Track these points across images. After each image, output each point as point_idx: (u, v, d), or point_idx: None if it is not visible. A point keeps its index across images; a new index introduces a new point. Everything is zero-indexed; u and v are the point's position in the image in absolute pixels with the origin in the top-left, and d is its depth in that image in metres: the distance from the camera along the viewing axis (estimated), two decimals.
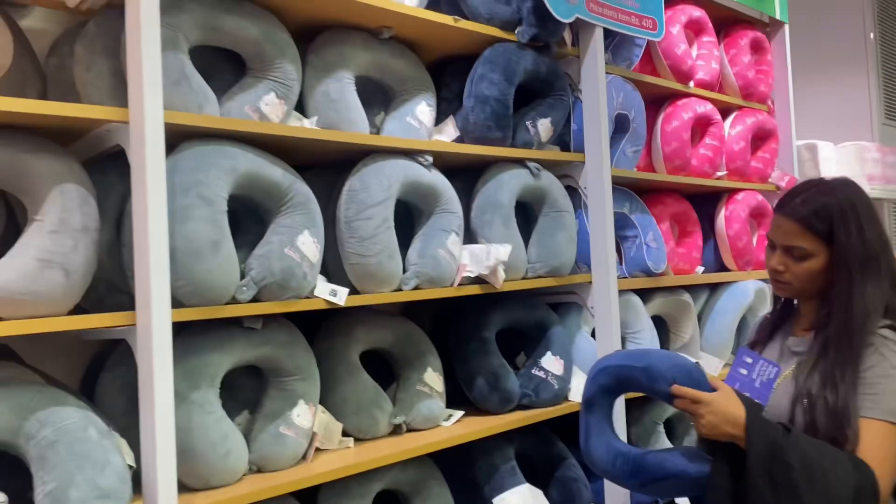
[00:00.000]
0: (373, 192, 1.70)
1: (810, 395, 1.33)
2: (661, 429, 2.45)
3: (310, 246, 1.57)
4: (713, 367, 2.63)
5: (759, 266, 2.89)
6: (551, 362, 2.08)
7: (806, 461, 1.23)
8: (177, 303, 1.38)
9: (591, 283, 2.20)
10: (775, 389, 1.41)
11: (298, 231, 1.56)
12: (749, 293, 2.75)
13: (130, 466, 1.31)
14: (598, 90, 2.17)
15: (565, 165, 2.24)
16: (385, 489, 1.79)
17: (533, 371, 2.07)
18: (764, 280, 2.90)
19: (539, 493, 1.94)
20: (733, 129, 2.86)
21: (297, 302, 1.56)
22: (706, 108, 2.69)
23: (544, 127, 2.10)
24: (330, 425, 1.74)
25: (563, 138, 2.27)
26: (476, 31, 1.96)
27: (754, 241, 2.87)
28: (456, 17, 1.92)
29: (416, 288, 1.80)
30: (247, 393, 1.66)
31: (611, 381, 1.46)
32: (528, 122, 2.08)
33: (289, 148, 1.66)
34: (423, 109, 1.93)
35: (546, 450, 2.13)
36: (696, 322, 2.66)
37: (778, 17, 3.05)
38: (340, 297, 1.61)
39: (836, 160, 3.32)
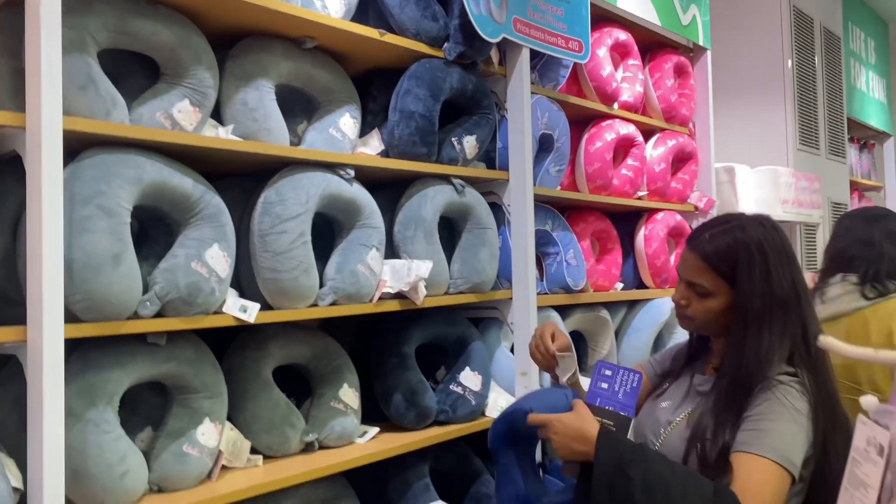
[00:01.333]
0: (289, 205, 1.66)
1: (702, 439, 1.29)
2: None
3: (219, 260, 1.53)
4: None
5: (675, 284, 2.96)
6: (469, 378, 2.09)
7: (648, 476, 1.18)
8: (74, 318, 1.32)
9: (511, 299, 2.22)
10: (672, 429, 1.38)
11: (207, 244, 1.52)
12: (665, 310, 2.82)
13: (16, 489, 1.24)
14: (524, 109, 2.19)
15: (490, 182, 2.25)
16: None
17: (451, 387, 2.06)
18: None
19: None
20: (655, 151, 2.94)
21: (204, 318, 1.51)
22: (629, 129, 2.76)
23: (470, 144, 2.11)
24: (237, 443, 1.69)
25: (489, 155, 2.28)
26: (402, 45, 1.95)
27: (672, 259, 2.95)
28: (382, 31, 1.91)
29: (333, 304, 1.77)
30: (151, 409, 1.60)
31: (505, 426, 1.42)
32: (453, 139, 2.08)
33: (204, 157, 1.61)
34: (346, 121, 1.90)
35: (462, 466, 2.13)
36: (614, 338, 2.72)
37: (701, 43, 3.15)
38: (251, 313, 1.57)
39: (752, 183, 3.44)
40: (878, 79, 5.48)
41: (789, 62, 3.99)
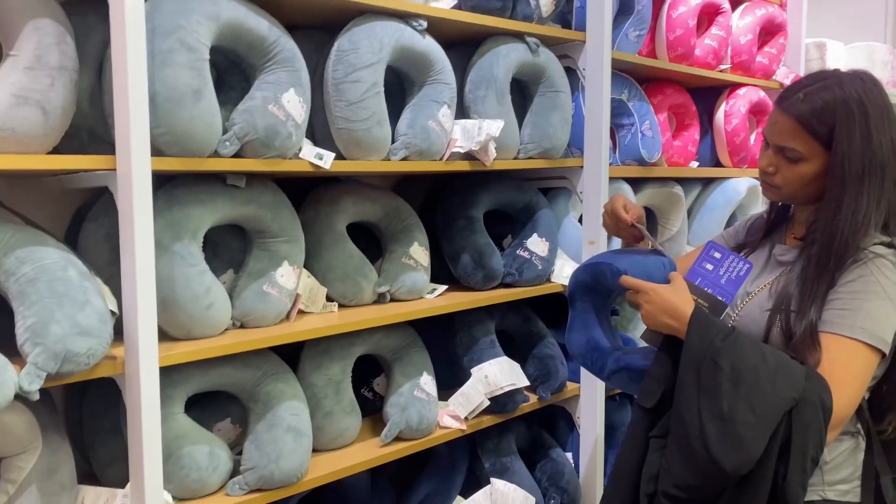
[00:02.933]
0: (363, 53, 1.65)
1: (787, 311, 1.26)
2: None
3: (295, 105, 1.54)
4: None
5: (753, 164, 2.86)
6: (536, 244, 2.09)
7: (738, 365, 1.15)
8: (157, 151, 1.36)
9: (582, 168, 2.18)
10: (751, 299, 1.35)
11: (283, 88, 1.52)
12: (741, 190, 2.74)
13: (113, 312, 1.33)
14: None
15: (565, 44, 2.17)
16: (367, 354, 1.83)
17: (518, 251, 2.08)
18: (758, 178, 2.88)
19: (516, 366, 1.99)
20: (741, 21, 2.76)
21: (281, 161, 1.54)
22: None
23: (546, 0, 2.02)
24: (314, 289, 1.76)
25: (565, 16, 2.19)
26: None
27: (752, 138, 2.83)
28: None
29: (404, 159, 1.77)
30: (232, 252, 1.67)
31: (588, 277, 1.43)
32: None
33: (278, 2, 1.60)
34: None
35: (526, 327, 2.18)
36: (686, 216, 2.66)
37: None
38: (326, 160, 1.59)
39: (844, 61, 3.23)
40: None
41: None
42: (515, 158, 2.04)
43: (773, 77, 2.93)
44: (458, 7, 1.94)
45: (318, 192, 1.86)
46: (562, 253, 2.20)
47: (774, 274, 1.36)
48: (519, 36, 2.00)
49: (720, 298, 1.29)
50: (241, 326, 1.60)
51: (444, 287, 2.01)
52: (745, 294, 1.37)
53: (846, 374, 1.17)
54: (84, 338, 1.22)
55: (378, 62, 1.67)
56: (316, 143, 1.72)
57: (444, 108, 1.83)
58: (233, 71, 1.59)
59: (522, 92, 2.12)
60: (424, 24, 1.77)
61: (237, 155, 1.48)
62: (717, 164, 2.83)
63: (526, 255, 2.07)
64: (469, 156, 1.91)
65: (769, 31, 2.87)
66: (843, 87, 1.25)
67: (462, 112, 1.96)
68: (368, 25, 1.68)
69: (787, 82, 2.94)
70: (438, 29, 1.87)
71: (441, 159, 1.85)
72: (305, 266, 1.74)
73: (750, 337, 1.23)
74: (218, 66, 1.57)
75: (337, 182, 1.90)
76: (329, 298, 1.80)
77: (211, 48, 1.43)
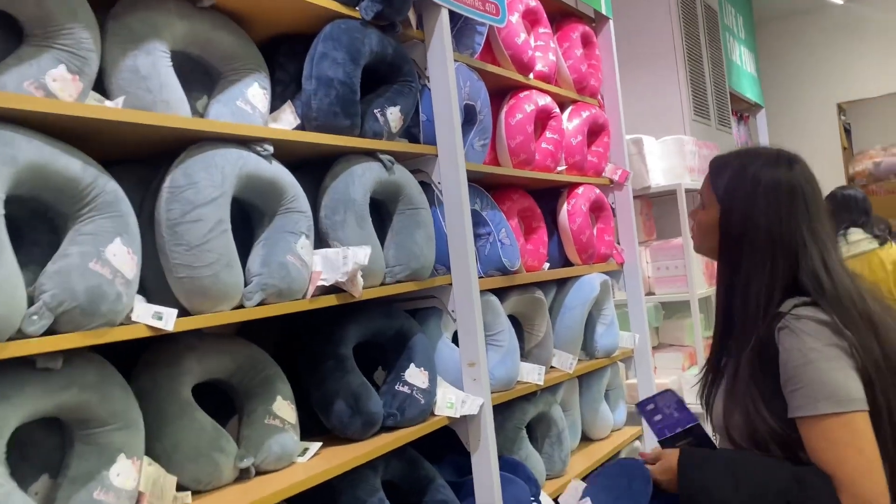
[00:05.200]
0: (202, 187, 1.39)
1: (752, 414, 1.22)
2: (524, 433, 2.35)
3: (123, 258, 1.24)
4: (566, 363, 2.57)
5: (600, 259, 2.89)
6: (415, 375, 1.88)
7: (721, 491, 1.17)
8: None
9: (451, 285, 2.03)
10: (718, 393, 1.34)
11: (107, 239, 1.22)
12: (595, 286, 2.73)
13: None
14: (448, 77, 2.01)
15: (416, 159, 2.05)
16: None
17: (396, 387, 1.85)
18: (606, 272, 2.92)
19: None
20: (570, 123, 2.83)
21: (110, 331, 1.21)
22: (546, 100, 2.63)
23: (394, 116, 1.89)
24: (160, 479, 1.40)
25: (411, 130, 2.08)
26: (316, 3, 1.71)
27: (595, 234, 2.87)
28: None
29: (261, 303, 1.51)
30: (45, 452, 1.28)
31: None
32: (375, 111, 1.86)
33: (88, 137, 1.31)
34: (255, 92, 1.64)
35: (413, 473, 1.92)
36: (549, 319, 2.59)
37: (604, 12, 3.08)
38: (168, 320, 1.29)
39: (658, 153, 3.44)
40: (748, 53, 5.73)
41: (679, 35, 4.04)
42: (383, 284, 1.84)
43: (604, 174, 3.02)
44: (301, 127, 1.75)
45: (153, 352, 1.52)
46: (441, 380, 2.00)
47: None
48: (371, 154, 1.84)
49: (688, 425, 1.31)
50: None
51: (318, 444, 1.71)
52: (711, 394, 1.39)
53: (840, 454, 1.08)
54: None
55: (221, 196, 1.42)
56: (148, 297, 1.41)
57: (303, 239, 1.60)
58: (35, 222, 1.26)
59: (379, 211, 1.94)
60: (270, 148, 1.55)
61: (49, 331, 1.14)
62: (567, 263, 2.82)
63: (406, 389, 1.85)
64: (334, 288, 1.68)
65: (594, 132, 2.98)
66: (754, 158, 1.32)
67: (318, 237, 1.74)
68: (206, 155, 1.43)
69: (616, 178, 3.05)
70: (283, 151, 1.66)
71: (305, 297, 1.60)
72: (146, 449, 1.38)
73: (729, 452, 1.23)
74: (15, 218, 1.24)
75: (172, 337, 1.58)
76: (180, 486, 1.44)
77: (6, 199, 1.11)
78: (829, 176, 4.93)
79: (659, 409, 1.37)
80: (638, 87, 3.87)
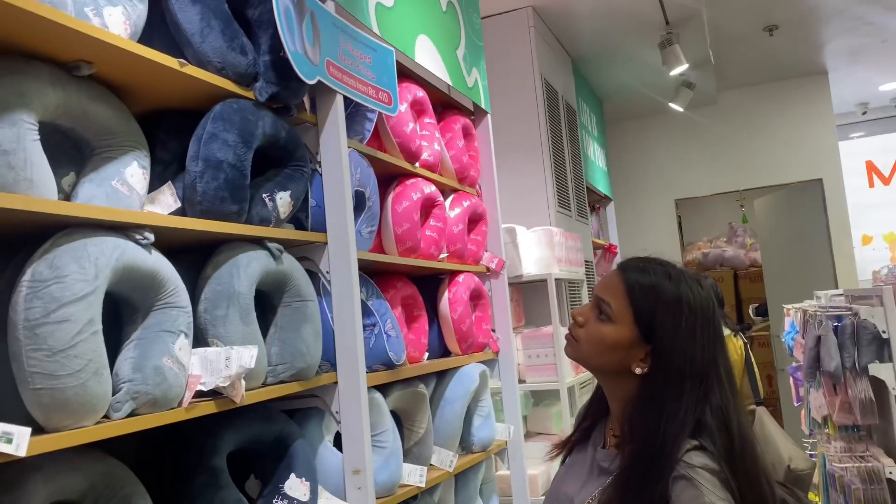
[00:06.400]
0: (71, 281, 1.19)
1: None
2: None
3: None
4: (446, 461, 2.47)
5: (479, 348, 2.86)
6: (296, 487, 1.71)
7: None
8: None
9: (336, 384, 1.89)
10: None
11: None
12: (475, 378, 2.68)
13: None
14: (341, 162, 1.93)
15: (303, 247, 1.93)
16: None
17: (275, 502, 1.66)
18: (486, 361, 2.89)
19: None
20: (452, 212, 2.83)
21: None
22: (431, 188, 2.62)
23: (284, 201, 1.78)
24: None
25: (297, 216, 1.96)
26: (207, 80, 1.59)
27: (474, 324, 2.84)
28: (183, 60, 1.53)
29: (131, 414, 1.30)
30: None
31: None
32: (264, 196, 1.74)
33: None
34: (134, 171, 1.47)
35: None
36: (430, 414, 2.49)
37: (483, 105, 3.17)
38: (19, 444, 1.07)
39: (529, 243, 3.52)
40: (599, 149, 6.14)
41: (545, 131, 4.23)
42: (264, 385, 1.68)
43: (481, 262, 3.03)
44: (180, 212, 1.59)
45: None
46: (323, 490, 1.83)
47: (599, 483, 1.24)
48: (258, 241, 1.71)
49: None
50: None
51: None
52: None
53: None
54: None
55: (94, 292, 1.23)
56: None
57: (181, 339, 1.42)
58: None
59: (261, 302, 1.79)
60: (151, 237, 1.38)
61: None
62: (445, 352, 2.76)
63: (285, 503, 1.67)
64: (212, 392, 1.50)
65: (473, 220, 2.99)
66: (679, 282, 1.24)
67: (196, 336, 1.55)
68: (76, 244, 1.24)
69: (493, 266, 3.07)
70: (161, 238, 1.49)
71: (181, 405, 1.41)
72: None
73: None
74: None
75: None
76: None
77: None
78: None
79: None
80: (509, 177, 3.98)
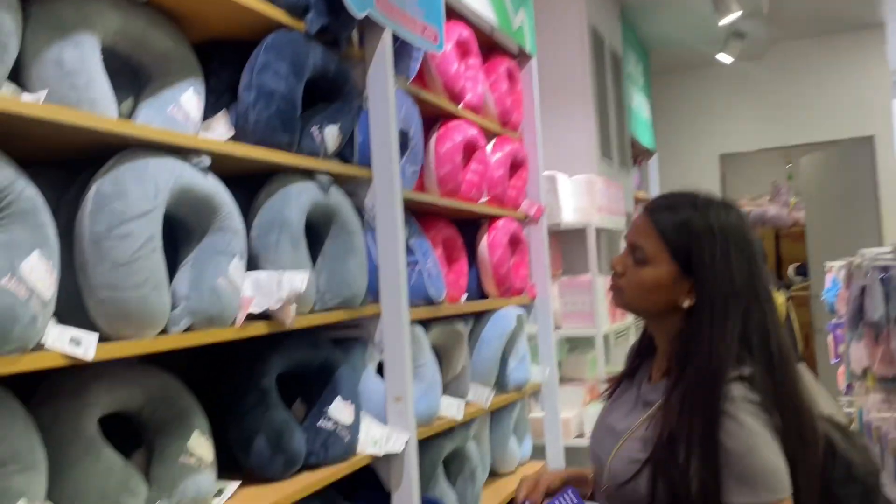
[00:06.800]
0: (133, 199, 1.24)
1: (663, 463, 1.16)
2: (441, 471, 2.28)
3: (41, 274, 1.08)
4: (483, 397, 2.53)
5: (516, 293, 2.89)
6: (340, 410, 1.77)
7: None
8: None
9: (379, 316, 1.94)
10: (620, 447, 1.26)
11: (24, 252, 1.06)
12: (512, 320, 2.72)
13: None
14: (389, 100, 1.94)
15: (348, 182, 1.96)
16: None
17: (320, 423, 1.73)
18: (523, 306, 2.92)
19: None
20: (493, 156, 2.83)
21: (21, 358, 1.05)
22: (474, 131, 2.62)
23: (332, 135, 1.80)
24: None
25: (343, 152, 1.99)
26: (259, 10, 1.60)
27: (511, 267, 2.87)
28: None
29: (188, 330, 1.37)
30: None
31: None
32: (313, 128, 1.76)
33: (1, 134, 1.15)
34: (189, 98, 1.51)
35: None
36: (468, 352, 2.55)
37: (528, 49, 3.13)
38: (87, 348, 1.13)
39: (570, 191, 3.51)
40: (644, 100, 6.03)
41: (590, 77, 4.17)
42: (312, 311, 1.73)
43: (520, 209, 3.04)
44: (236, 139, 1.63)
45: (56, 381, 1.34)
46: (365, 414, 1.90)
47: (641, 414, 1.27)
48: (307, 173, 1.74)
49: None
50: None
51: (235, 484, 1.57)
52: (614, 436, 1.28)
53: None
54: None
55: (154, 210, 1.28)
56: (55, 314, 1.24)
57: (235, 261, 1.47)
58: None
59: (309, 234, 1.83)
60: (208, 160, 1.42)
61: None
62: (482, 294, 2.80)
63: (330, 426, 1.74)
64: (264, 314, 1.56)
65: (514, 165, 2.99)
66: (707, 210, 1.25)
67: (248, 262, 1.61)
68: (138, 163, 1.28)
69: (532, 213, 3.07)
70: (214, 165, 1.53)
71: (234, 324, 1.47)
72: (48, 492, 1.21)
73: None
74: None
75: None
76: None
77: None
78: None
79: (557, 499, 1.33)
80: (552, 125, 3.95)
